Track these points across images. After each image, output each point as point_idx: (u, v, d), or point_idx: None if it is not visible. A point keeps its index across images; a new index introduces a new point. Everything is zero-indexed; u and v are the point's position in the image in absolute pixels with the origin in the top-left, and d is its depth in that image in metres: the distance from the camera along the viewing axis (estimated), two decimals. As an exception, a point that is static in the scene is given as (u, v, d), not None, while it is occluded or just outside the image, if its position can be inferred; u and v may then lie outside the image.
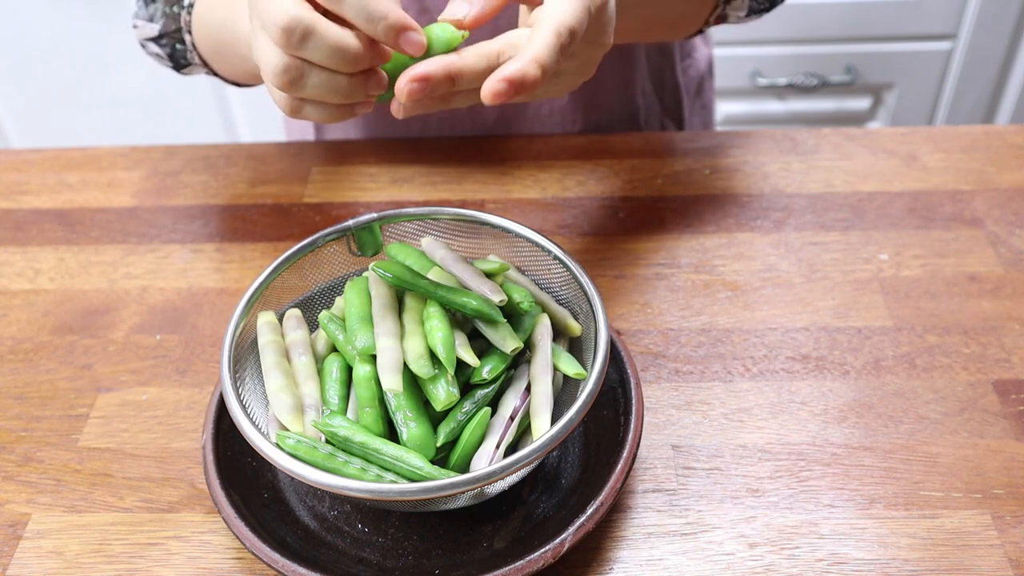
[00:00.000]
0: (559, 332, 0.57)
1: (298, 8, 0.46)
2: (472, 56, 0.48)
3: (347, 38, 0.46)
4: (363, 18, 0.46)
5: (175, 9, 0.72)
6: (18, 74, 1.62)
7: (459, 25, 0.49)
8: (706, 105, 1.00)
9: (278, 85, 0.48)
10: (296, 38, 0.46)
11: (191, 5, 0.71)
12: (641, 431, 0.54)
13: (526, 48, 0.46)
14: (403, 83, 0.47)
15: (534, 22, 0.48)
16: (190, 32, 0.72)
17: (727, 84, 1.58)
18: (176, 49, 0.74)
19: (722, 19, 0.75)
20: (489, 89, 0.46)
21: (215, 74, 0.76)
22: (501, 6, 0.49)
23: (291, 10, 0.45)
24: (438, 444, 0.50)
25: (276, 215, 0.78)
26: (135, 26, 0.75)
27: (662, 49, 0.91)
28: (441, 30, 0.49)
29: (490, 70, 0.48)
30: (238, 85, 0.77)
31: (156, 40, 0.75)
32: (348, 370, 0.54)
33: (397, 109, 0.49)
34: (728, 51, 1.55)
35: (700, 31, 0.75)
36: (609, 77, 0.87)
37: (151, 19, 0.74)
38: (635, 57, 0.88)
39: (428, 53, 0.48)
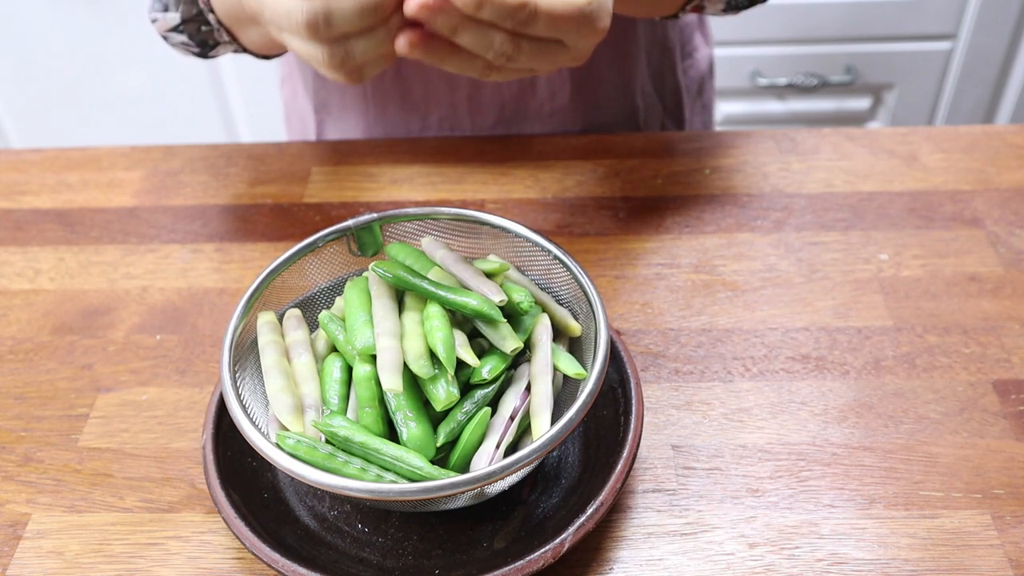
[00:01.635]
0: (559, 332, 0.57)
1: (303, 1, 0.47)
2: None
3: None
4: None
5: None
6: (18, 74, 1.62)
7: None
8: (706, 105, 1.00)
9: (332, 69, 0.50)
10: (323, 25, 0.47)
11: None
12: (641, 431, 0.54)
13: None
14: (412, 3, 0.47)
15: None
16: (212, 11, 0.70)
17: (727, 84, 1.58)
18: (201, 31, 0.73)
19: (699, 9, 0.75)
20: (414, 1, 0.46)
21: (244, 49, 0.75)
22: None
23: (302, 5, 0.47)
24: (438, 444, 0.50)
25: (276, 215, 0.78)
26: (153, 20, 0.74)
27: (663, 49, 0.91)
28: None
29: (507, 11, 0.48)
30: (267, 57, 0.77)
31: (177, 29, 0.74)
32: (348, 370, 0.54)
33: (402, 45, 0.49)
34: (728, 51, 1.55)
35: (675, 16, 0.75)
36: (609, 77, 0.87)
37: (166, 8, 0.73)
38: (635, 57, 0.88)
39: None
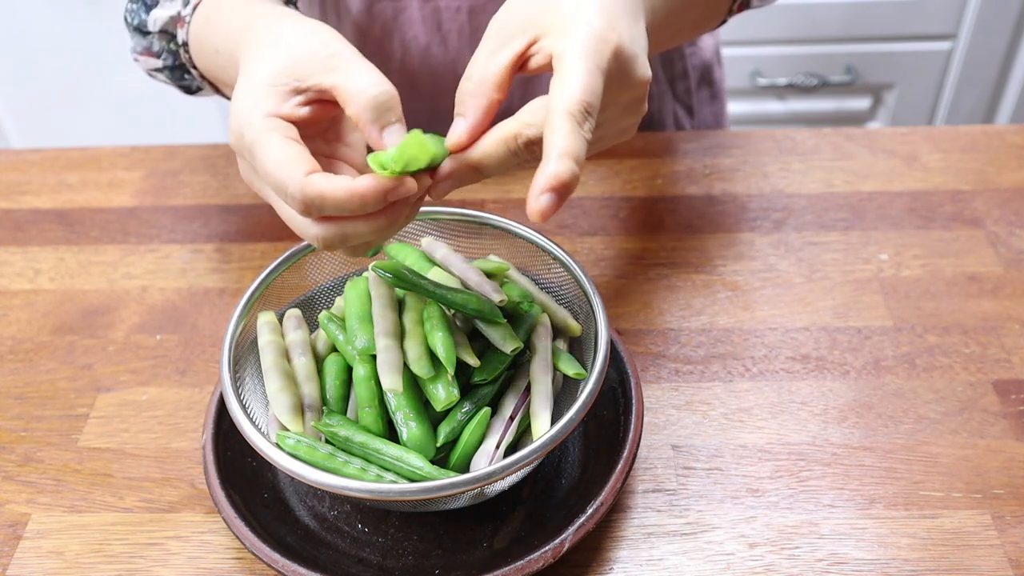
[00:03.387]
0: (559, 332, 0.57)
1: (301, 184, 0.44)
2: (490, 144, 0.45)
3: (357, 183, 0.43)
4: (352, 213, 0.44)
5: (172, 47, 0.69)
6: (18, 74, 1.62)
7: (455, 148, 0.46)
8: (716, 96, 1.00)
9: (325, 249, 0.47)
10: (316, 209, 0.44)
11: (185, 44, 0.66)
12: (641, 431, 0.54)
13: (548, 146, 0.43)
14: (436, 185, 0.45)
15: (548, 107, 0.44)
16: (195, 67, 0.68)
17: (727, 84, 1.58)
18: (184, 78, 0.71)
19: (745, 5, 0.73)
20: (536, 208, 0.42)
21: (229, 98, 0.73)
22: (492, 113, 0.47)
23: (296, 190, 0.44)
24: (438, 444, 0.50)
25: (276, 215, 0.78)
26: (136, 59, 0.72)
27: None
28: (429, 138, 0.46)
29: (511, 155, 0.45)
30: None
31: (161, 71, 0.71)
32: (348, 370, 0.54)
33: (535, 214, 0.45)
34: (728, 51, 1.55)
35: (724, 21, 0.73)
36: None
37: (148, 49, 0.70)
38: None
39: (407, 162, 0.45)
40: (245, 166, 0.49)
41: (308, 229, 0.46)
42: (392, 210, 0.45)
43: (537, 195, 0.42)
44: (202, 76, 0.69)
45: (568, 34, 0.44)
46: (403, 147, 0.43)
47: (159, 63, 0.70)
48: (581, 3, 0.45)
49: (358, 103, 0.45)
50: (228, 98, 0.72)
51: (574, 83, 0.43)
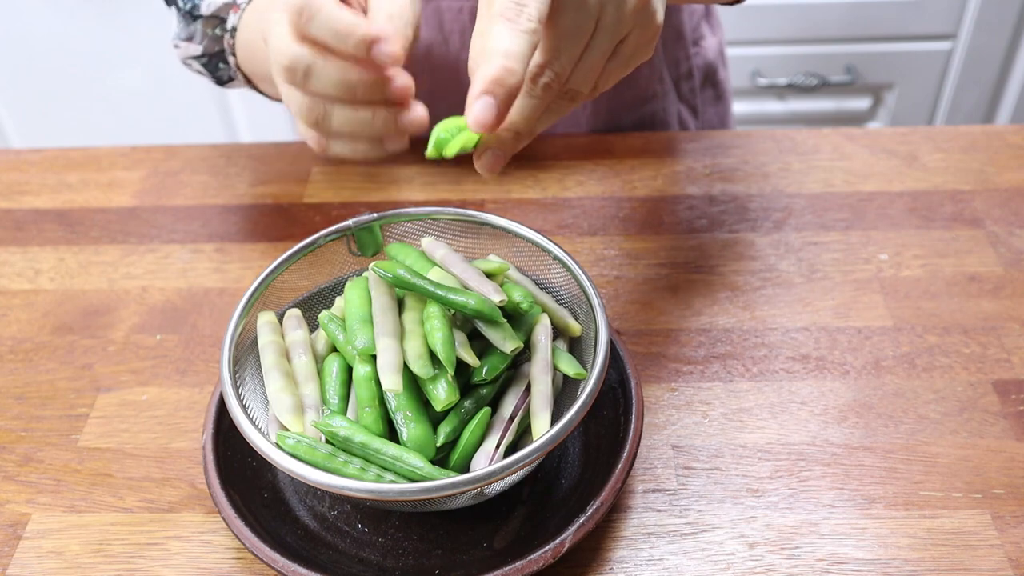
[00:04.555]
0: (559, 332, 0.57)
1: (295, 47, 0.46)
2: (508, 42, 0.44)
3: (346, 69, 0.45)
4: (332, 37, 0.45)
5: (218, 32, 0.72)
6: (18, 74, 1.62)
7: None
8: (721, 97, 1.00)
9: (306, 123, 0.48)
10: (300, 76, 0.46)
11: (234, 29, 0.69)
12: (641, 431, 0.54)
13: (484, 53, 0.42)
14: (472, 104, 0.43)
15: None
16: (234, 54, 0.71)
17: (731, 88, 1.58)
18: (220, 68, 0.74)
19: None
20: (472, 117, 0.42)
21: (260, 91, 0.75)
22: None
23: (288, 50, 0.46)
24: (438, 444, 0.50)
25: (276, 215, 0.78)
26: (176, 46, 0.75)
27: (676, 35, 0.90)
28: (455, 120, 0.47)
29: (530, 98, 0.45)
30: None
31: (199, 58, 0.74)
32: (348, 370, 0.54)
33: (482, 165, 0.47)
34: (729, 51, 1.55)
35: None
36: None
37: (191, 38, 0.73)
38: None
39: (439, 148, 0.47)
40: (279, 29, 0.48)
41: (295, 99, 0.47)
42: (388, 113, 0.47)
43: (471, 101, 0.42)
44: (238, 67, 0.72)
45: None
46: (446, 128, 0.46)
47: (199, 49, 0.73)
48: None
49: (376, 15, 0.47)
50: (260, 91, 0.74)
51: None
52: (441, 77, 0.84)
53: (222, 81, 0.76)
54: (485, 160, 0.46)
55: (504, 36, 0.42)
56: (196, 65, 0.76)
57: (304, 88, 0.47)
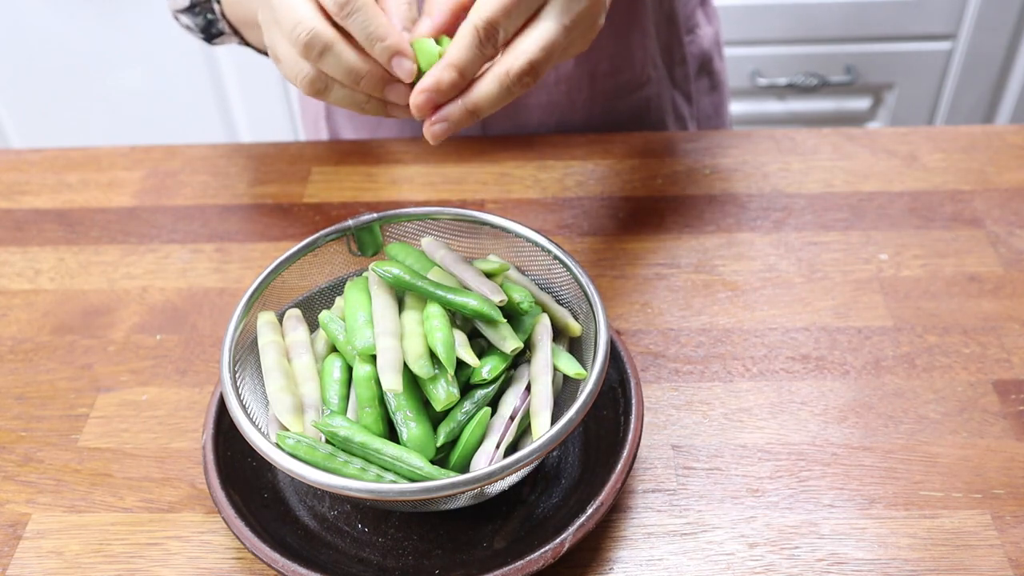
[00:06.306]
0: (559, 332, 0.57)
1: (317, 22, 0.48)
2: (458, 38, 0.49)
3: (359, 60, 0.49)
4: (364, 36, 0.48)
5: None
6: (18, 74, 1.62)
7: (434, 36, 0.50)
8: (716, 87, 1.00)
9: (305, 92, 0.51)
10: (315, 53, 0.48)
11: None
12: (641, 431, 0.54)
13: (448, 51, 0.49)
14: (413, 98, 0.49)
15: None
16: (219, 1, 0.72)
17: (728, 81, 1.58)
18: (208, 19, 0.75)
19: None
20: (413, 103, 0.49)
21: (247, 43, 0.76)
22: (458, 11, 0.51)
23: (311, 24, 0.48)
24: (438, 444, 0.50)
25: (276, 215, 0.78)
26: None
27: (669, 21, 0.90)
28: (428, 45, 0.50)
29: (477, 47, 0.49)
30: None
31: (187, 11, 0.75)
32: (348, 370, 0.54)
33: (428, 133, 0.51)
34: (728, 51, 1.54)
35: None
36: (610, 44, 0.86)
37: None
38: (643, 25, 0.87)
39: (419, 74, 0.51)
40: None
41: (299, 68, 0.50)
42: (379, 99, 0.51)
43: (416, 92, 0.49)
44: (223, 14, 0.73)
45: None
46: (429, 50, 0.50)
47: (186, 1, 0.74)
48: None
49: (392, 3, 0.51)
50: (249, 44, 0.75)
51: (488, 1, 0.48)
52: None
53: (210, 36, 0.77)
54: (438, 129, 0.50)
55: (467, 52, 0.48)
56: (184, 19, 0.77)
57: (314, 62, 0.49)
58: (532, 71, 0.50)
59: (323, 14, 0.49)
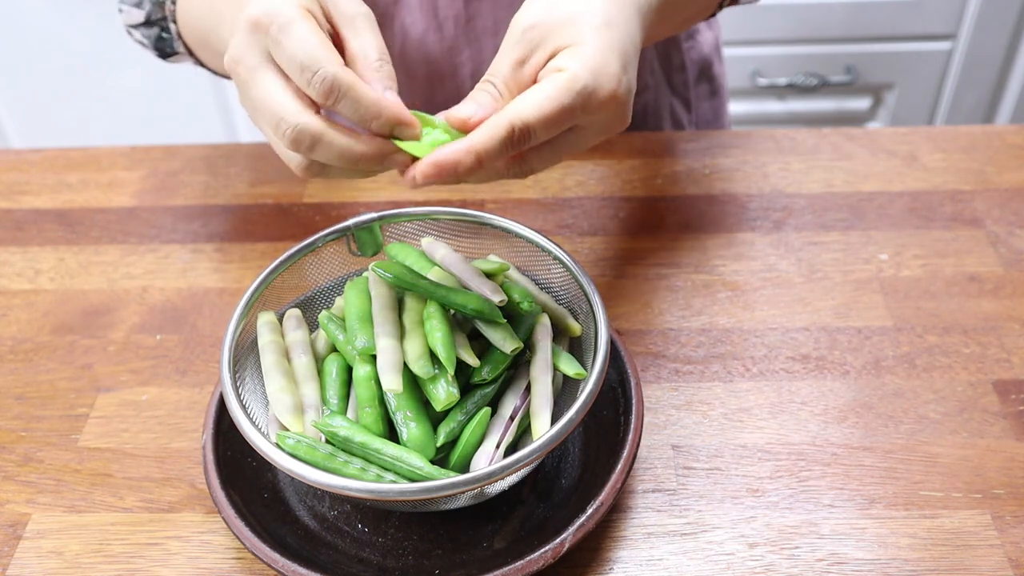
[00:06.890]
0: (559, 332, 0.57)
1: (300, 116, 0.47)
2: (484, 136, 0.47)
3: (352, 144, 0.48)
4: (357, 119, 0.47)
5: None
6: (18, 74, 1.62)
7: (463, 127, 0.49)
8: (716, 92, 1.00)
9: (303, 177, 0.51)
10: (305, 147, 0.47)
11: None
12: (641, 431, 0.54)
13: (474, 132, 0.47)
14: (423, 168, 0.47)
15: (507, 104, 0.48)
16: (175, 22, 0.71)
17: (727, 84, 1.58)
18: (162, 38, 0.74)
19: (734, 1, 0.75)
20: (419, 170, 0.47)
21: (201, 64, 0.75)
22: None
23: (294, 121, 0.47)
24: (438, 444, 0.50)
25: (276, 215, 0.78)
26: (120, 10, 0.75)
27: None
28: (428, 118, 0.49)
29: (505, 143, 0.47)
30: (227, 77, 0.77)
31: (141, 27, 0.74)
32: (348, 370, 0.54)
33: (411, 180, 0.49)
34: (728, 51, 1.55)
35: (713, 14, 0.75)
36: None
37: (137, 5, 0.73)
38: None
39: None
40: (253, 56, 0.49)
41: (294, 159, 0.50)
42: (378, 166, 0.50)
43: (428, 162, 0.46)
44: (179, 35, 0.71)
45: (572, 56, 0.48)
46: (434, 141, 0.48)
47: (141, 16, 0.73)
48: (586, 33, 0.48)
49: (364, 66, 0.49)
50: (204, 66, 0.74)
51: (533, 103, 0.46)
52: (436, 67, 0.83)
53: (164, 54, 0.75)
54: (421, 176, 0.47)
55: (493, 144, 0.46)
56: (137, 35, 0.75)
57: (303, 154, 0.48)
58: (534, 172, 0.50)
59: (303, 100, 0.48)
